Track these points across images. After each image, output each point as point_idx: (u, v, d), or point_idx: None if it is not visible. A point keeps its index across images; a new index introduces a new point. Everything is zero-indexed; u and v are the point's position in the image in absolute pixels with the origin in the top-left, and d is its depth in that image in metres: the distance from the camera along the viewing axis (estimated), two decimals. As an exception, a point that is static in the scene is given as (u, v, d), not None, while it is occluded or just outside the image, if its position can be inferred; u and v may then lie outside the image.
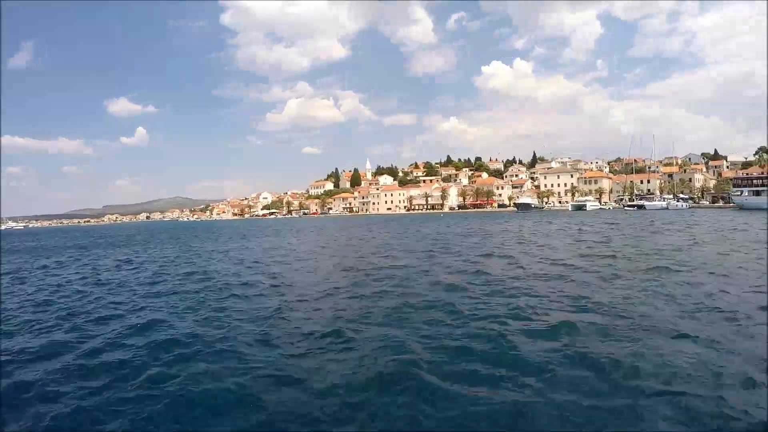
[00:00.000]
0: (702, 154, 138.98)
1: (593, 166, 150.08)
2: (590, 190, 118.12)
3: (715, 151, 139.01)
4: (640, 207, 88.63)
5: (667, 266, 14.66)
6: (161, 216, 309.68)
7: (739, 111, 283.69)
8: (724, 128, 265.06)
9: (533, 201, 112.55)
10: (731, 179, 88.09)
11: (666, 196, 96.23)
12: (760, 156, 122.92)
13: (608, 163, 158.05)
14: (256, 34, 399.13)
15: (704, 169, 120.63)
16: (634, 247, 21.63)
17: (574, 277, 13.45)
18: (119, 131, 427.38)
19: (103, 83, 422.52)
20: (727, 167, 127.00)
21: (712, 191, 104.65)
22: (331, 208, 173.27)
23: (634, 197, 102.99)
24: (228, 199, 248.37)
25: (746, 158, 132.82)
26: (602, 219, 55.34)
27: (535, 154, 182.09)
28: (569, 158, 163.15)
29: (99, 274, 19.54)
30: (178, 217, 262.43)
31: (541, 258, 18.71)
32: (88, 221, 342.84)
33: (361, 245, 29.73)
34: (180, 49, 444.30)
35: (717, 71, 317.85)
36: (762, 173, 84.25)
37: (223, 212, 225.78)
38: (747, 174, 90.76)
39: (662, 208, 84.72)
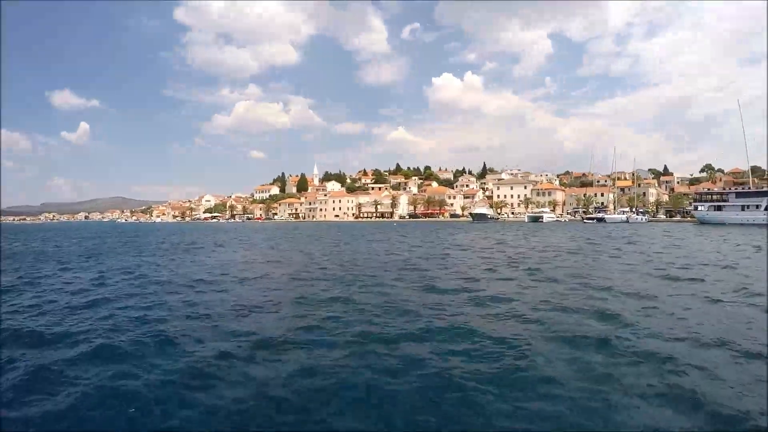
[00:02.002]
0: (649, 169, 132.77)
1: (543, 178, 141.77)
2: (544, 202, 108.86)
3: (665, 167, 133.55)
4: (600, 220, 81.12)
5: None
6: (101, 216, 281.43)
7: (679, 130, 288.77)
8: (665, 146, 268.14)
9: (489, 212, 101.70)
10: (695, 194, 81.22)
11: (624, 209, 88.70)
12: (710, 173, 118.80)
13: (557, 176, 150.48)
14: (208, 34, 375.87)
15: (656, 184, 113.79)
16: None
17: None
18: (61, 125, 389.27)
19: (47, 74, 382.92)
20: (677, 183, 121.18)
21: (667, 206, 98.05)
22: (276, 214, 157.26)
23: (592, 210, 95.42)
24: (170, 201, 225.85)
25: (692, 174, 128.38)
26: (601, 232, 43.00)
27: (485, 164, 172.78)
28: (519, 170, 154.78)
29: None
30: (118, 218, 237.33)
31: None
32: (24, 219, 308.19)
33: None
34: (130, 45, 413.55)
35: (659, 92, 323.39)
36: (723, 188, 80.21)
37: (164, 214, 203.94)
38: (708, 189, 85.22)
39: (622, 222, 77.33)
